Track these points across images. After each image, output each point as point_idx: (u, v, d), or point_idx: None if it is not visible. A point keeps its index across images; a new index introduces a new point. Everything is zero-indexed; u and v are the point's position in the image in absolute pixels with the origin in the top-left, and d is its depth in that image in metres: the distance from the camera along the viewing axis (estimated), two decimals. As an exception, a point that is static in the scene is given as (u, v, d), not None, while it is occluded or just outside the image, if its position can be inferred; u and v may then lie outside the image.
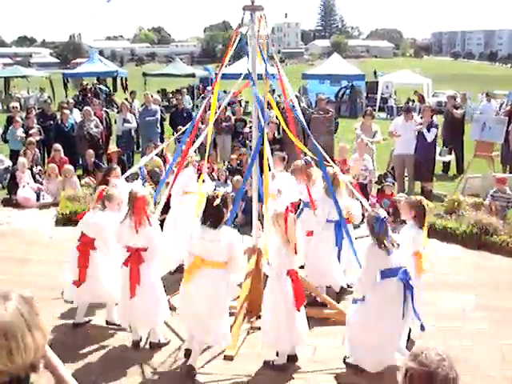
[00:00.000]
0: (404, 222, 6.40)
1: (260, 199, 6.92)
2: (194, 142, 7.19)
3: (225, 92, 16.06)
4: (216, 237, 5.37)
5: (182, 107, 16.56)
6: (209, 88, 14.99)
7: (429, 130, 11.65)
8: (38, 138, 13.89)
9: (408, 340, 6.09)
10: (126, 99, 18.81)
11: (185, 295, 5.60)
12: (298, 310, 5.51)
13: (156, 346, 6.05)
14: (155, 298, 5.91)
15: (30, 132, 13.86)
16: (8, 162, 13.62)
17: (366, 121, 12.59)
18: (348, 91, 29.50)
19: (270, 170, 8.14)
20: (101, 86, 29.40)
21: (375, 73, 44.77)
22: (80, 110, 16.45)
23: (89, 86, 28.29)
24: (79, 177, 12.68)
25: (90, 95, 24.85)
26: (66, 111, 15.00)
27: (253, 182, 6.87)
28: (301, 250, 5.65)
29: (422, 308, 6.18)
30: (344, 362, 5.73)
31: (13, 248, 9.37)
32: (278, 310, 5.45)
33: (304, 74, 30.18)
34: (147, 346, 6.09)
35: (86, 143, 13.86)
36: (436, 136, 12.18)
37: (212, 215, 5.43)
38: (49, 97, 29.26)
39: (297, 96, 16.48)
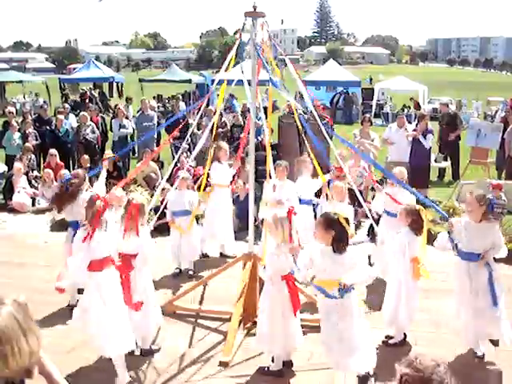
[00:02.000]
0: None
1: (255, 203, 6.95)
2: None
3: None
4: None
5: (177, 113, 16.56)
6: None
7: (425, 137, 11.67)
8: (34, 142, 13.90)
9: (403, 346, 6.12)
10: (116, 105, 18.75)
11: None
12: (295, 315, 5.51)
13: (148, 353, 6.04)
14: (146, 305, 5.89)
15: (28, 137, 13.88)
16: (3, 167, 13.59)
17: (365, 128, 12.61)
18: (342, 97, 29.55)
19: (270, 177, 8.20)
20: (92, 92, 29.47)
21: (371, 79, 44.93)
22: (76, 116, 16.46)
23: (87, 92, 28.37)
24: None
25: (86, 100, 24.93)
26: (61, 116, 14.99)
27: (250, 188, 6.88)
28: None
29: (417, 314, 6.20)
30: None
31: (8, 252, 9.36)
32: (275, 315, 5.44)
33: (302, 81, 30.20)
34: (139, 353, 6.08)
35: (82, 148, 13.86)
36: (432, 140, 12.21)
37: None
38: (45, 101, 29.29)
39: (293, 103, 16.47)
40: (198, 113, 8.07)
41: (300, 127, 7.39)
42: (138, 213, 5.72)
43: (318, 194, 8.79)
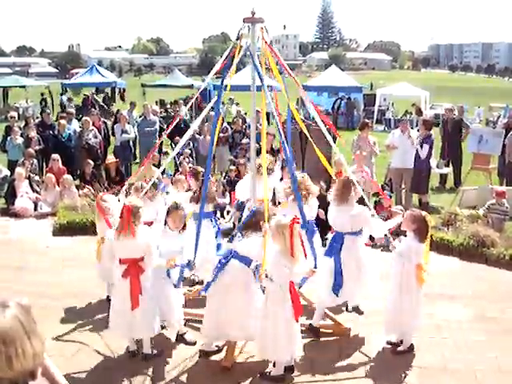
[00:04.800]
0: (403, 233, 6.42)
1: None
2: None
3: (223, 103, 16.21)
4: None
5: (179, 118, 16.60)
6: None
7: (421, 146, 11.65)
8: (37, 147, 13.95)
9: (411, 352, 6.13)
10: (118, 111, 18.83)
11: None
12: (297, 321, 5.50)
13: (149, 357, 6.04)
14: (152, 308, 5.91)
15: (31, 141, 13.95)
16: (6, 172, 13.63)
17: (363, 133, 12.58)
18: (343, 103, 29.60)
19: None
20: (95, 97, 29.66)
21: (372, 85, 44.96)
22: (78, 120, 16.51)
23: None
24: (77, 187, 12.68)
25: (89, 105, 25.05)
26: (63, 121, 15.03)
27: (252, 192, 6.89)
28: (303, 261, 5.55)
29: (420, 320, 6.19)
30: None
31: (10, 257, 9.37)
32: (277, 321, 5.44)
33: (303, 86, 30.23)
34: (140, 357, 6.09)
35: (84, 153, 13.90)
36: (431, 150, 12.17)
37: None
38: (47, 106, 29.44)
39: (295, 108, 16.52)
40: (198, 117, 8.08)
41: (306, 131, 7.37)
42: (130, 213, 5.74)
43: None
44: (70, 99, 30.77)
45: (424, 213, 6.16)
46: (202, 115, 7.59)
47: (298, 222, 5.37)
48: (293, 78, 7.11)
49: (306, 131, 7.28)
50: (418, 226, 6.02)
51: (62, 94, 32.95)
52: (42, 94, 31.64)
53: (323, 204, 7.50)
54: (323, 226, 7.77)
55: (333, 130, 8.09)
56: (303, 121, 8.08)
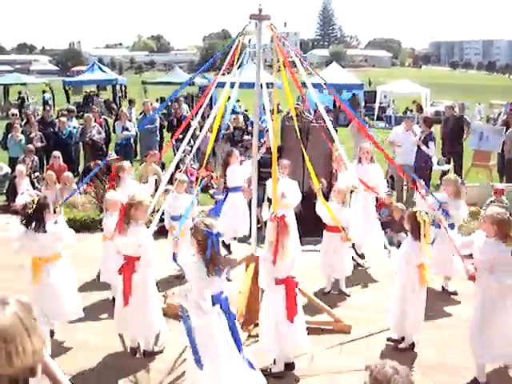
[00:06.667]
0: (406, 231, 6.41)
1: (258, 205, 6.97)
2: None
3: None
4: None
5: (179, 115, 16.60)
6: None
7: (427, 145, 11.62)
8: (39, 144, 13.96)
9: (412, 349, 6.14)
10: (119, 108, 18.82)
11: None
12: (291, 321, 5.44)
13: (150, 355, 6.05)
14: (149, 308, 5.90)
15: (32, 136, 13.95)
16: (7, 169, 13.63)
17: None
18: (342, 98, 29.63)
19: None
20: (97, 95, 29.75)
21: (370, 82, 44.94)
22: (80, 118, 16.52)
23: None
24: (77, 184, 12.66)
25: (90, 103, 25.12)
26: (63, 118, 15.04)
27: (252, 190, 6.89)
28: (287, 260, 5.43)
29: (422, 318, 6.19)
30: None
31: (10, 256, 9.34)
32: (270, 320, 5.45)
33: (303, 83, 30.18)
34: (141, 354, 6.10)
35: (89, 149, 13.94)
36: (434, 146, 12.17)
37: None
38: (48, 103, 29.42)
39: (298, 105, 16.54)
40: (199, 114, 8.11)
41: (298, 132, 7.43)
42: (123, 213, 5.76)
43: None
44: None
45: (416, 210, 6.10)
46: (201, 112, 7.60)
47: (280, 219, 5.35)
48: (316, 70, 7.19)
49: (297, 128, 7.35)
50: (411, 223, 6.00)
51: (44, 92, 32.99)
52: (20, 93, 31.69)
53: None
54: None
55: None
56: (303, 118, 8.11)
